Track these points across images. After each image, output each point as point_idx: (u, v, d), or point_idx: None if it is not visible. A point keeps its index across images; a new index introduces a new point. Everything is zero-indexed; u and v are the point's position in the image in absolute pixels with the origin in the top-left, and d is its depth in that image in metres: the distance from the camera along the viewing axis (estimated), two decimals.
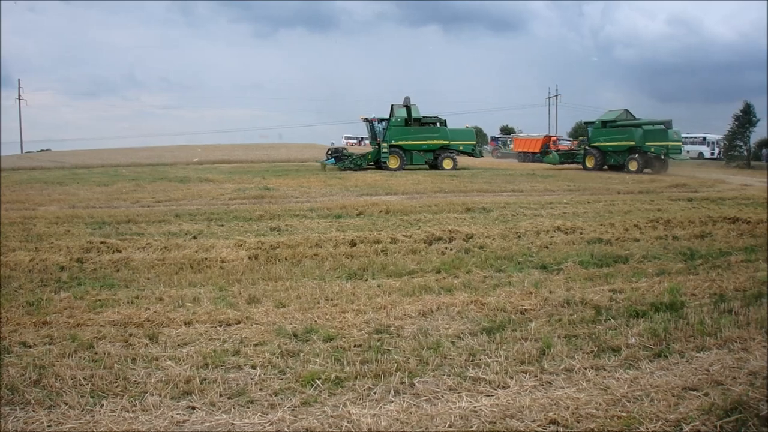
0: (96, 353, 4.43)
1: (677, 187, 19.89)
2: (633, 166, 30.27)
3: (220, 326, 5.09)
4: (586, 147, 34.08)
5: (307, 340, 4.72)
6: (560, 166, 34.76)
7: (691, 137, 53.41)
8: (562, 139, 48.78)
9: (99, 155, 48.51)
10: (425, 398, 3.72)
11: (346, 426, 3.36)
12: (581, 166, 33.21)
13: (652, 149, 30.28)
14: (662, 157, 30.05)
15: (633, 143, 30.83)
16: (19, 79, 69.58)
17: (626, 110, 33.39)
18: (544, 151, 40.33)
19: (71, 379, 3.92)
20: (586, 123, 36.35)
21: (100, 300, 5.88)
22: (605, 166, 32.29)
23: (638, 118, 32.49)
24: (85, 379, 3.93)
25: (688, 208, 13.48)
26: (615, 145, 31.84)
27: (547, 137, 46.01)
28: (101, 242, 8.51)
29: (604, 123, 33.16)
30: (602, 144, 32.65)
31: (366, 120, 32.60)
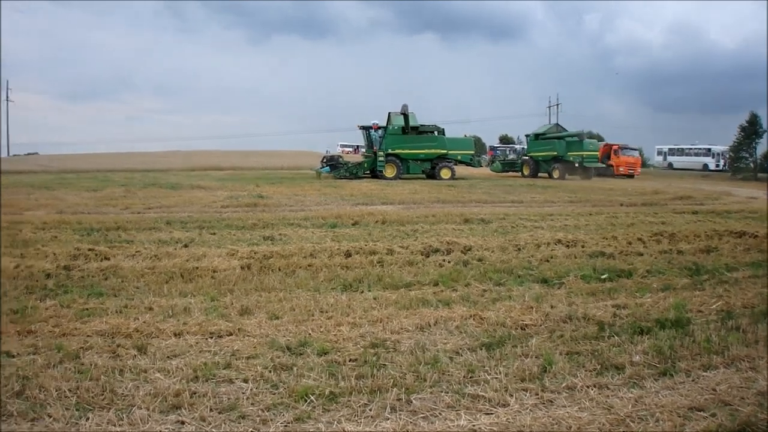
0: (82, 364, 4.38)
1: (682, 199, 19.89)
2: (555, 173, 35.56)
3: (211, 338, 5.04)
4: (523, 157, 40.04)
5: (301, 354, 4.68)
6: (503, 174, 39.46)
7: (695, 148, 53.64)
8: (628, 148, 43.58)
9: (89, 160, 48.47)
10: (422, 416, 3.69)
11: None
12: (520, 174, 37.96)
13: (571, 158, 35.61)
14: (576, 165, 35.47)
15: (556, 153, 36.06)
16: (7, 81, 69.43)
17: (557, 124, 40.03)
18: (491, 160, 45.03)
19: (56, 390, 3.87)
20: (526, 135, 41.47)
21: (87, 309, 5.83)
22: (538, 174, 37.05)
23: (567, 131, 37.72)
24: (70, 390, 3.88)
25: (693, 221, 13.48)
26: (544, 155, 37.08)
27: (608, 146, 43.09)
28: (89, 249, 8.46)
29: (537, 136, 38.80)
30: (535, 154, 37.98)
31: (362, 128, 32.65)
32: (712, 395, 3.95)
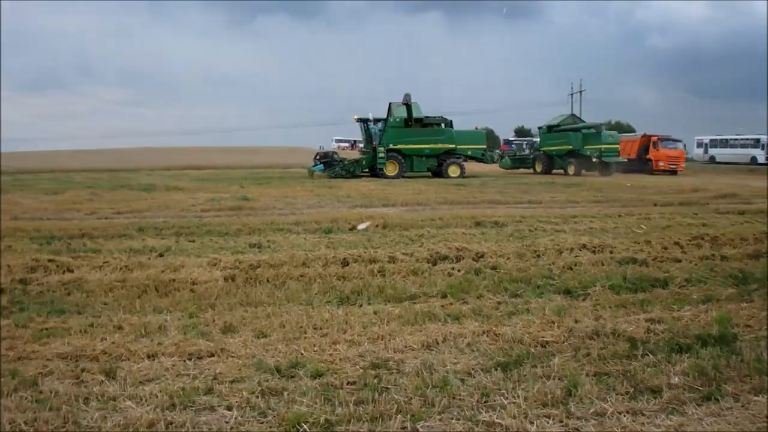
0: (41, 392, 4.35)
1: (725, 197, 19.87)
2: (571, 169, 36.16)
3: (190, 359, 5.02)
4: (536, 151, 40.66)
5: (292, 376, 4.65)
6: (513, 171, 39.74)
7: (741, 139, 53.54)
8: (669, 140, 42.14)
9: (47, 158, 48.63)
10: None
11: None
12: (532, 171, 38.48)
13: (588, 152, 35.76)
14: (594, 160, 35.52)
15: (571, 147, 36.60)
16: None
17: (573, 114, 40.44)
18: (500, 155, 45.41)
19: (9, 423, 3.85)
20: (539, 128, 42.25)
21: (46, 329, 5.80)
22: (553, 170, 37.87)
23: (584, 122, 38.34)
24: (27, 423, 3.85)
25: (738, 222, 13.42)
26: (558, 149, 37.77)
27: (646, 137, 42.33)
28: (49, 260, 8.43)
29: (550, 128, 39.38)
30: (548, 148, 38.71)
31: (360, 120, 32.67)
32: (764, 424, 3.92)
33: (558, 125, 39.13)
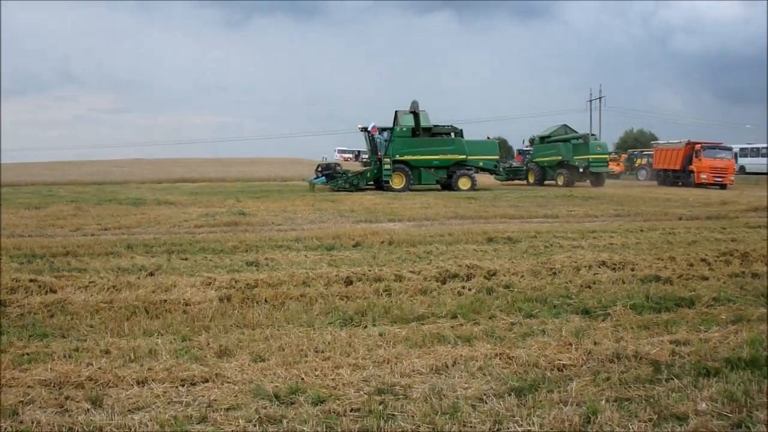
0: (21, 422, 4.36)
1: (756, 210, 19.82)
2: (560, 180, 38.82)
3: (183, 386, 5.02)
4: (529, 163, 43.06)
5: (292, 403, 4.66)
6: (507, 183, 41.10)
7: None
8: (717, 148, 40.15)
9: (28, 170, 48.72)
10: None
11: None
12: (526, 182, 41.07)
13: (577, 163, 38.29)
14: (581, 170, 38.24)
15: (561, 158, 39.25)
16: None
17: (565, 125, 42.16)
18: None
19: None
20: (530, 139, 46.07)
21: (28, 354, 5.81)
22: (545, 181, 40.40)
23: (576, 133, 40.80)
24: None
25: None
26: (549, 160, 40.46)
27: (690, 145, 40.52)
28: (31, 280, 8.45)
29: (542, 139, 42.26)
30: (540, 159, 41.28)
31: (364, 129, 32.76)
32: None
33: (549, 136, 41.63)
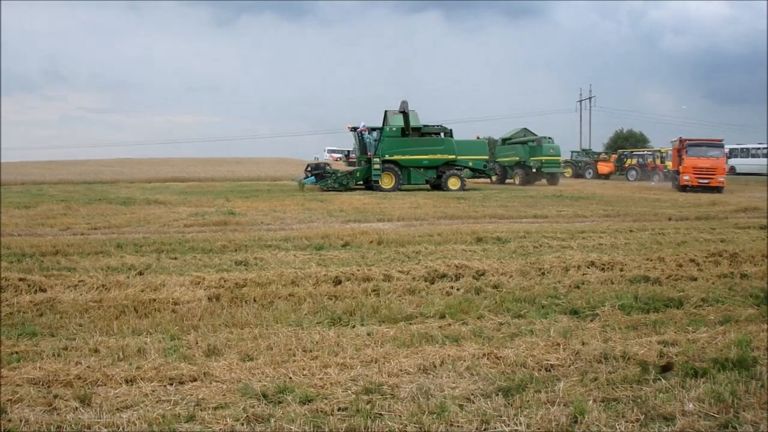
0: (10, 420, 4.35)
1: (746, 211, 19.91)
2: (516, 179, 42.44)
3: (171, 384, 5.02)
4: (493, 162, 44.01)
5: (280, 402, 4.67)
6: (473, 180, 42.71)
7: (765, 148, 53.60)
8: (702, 145, 33.74)
9: (16, 169, 48.44)
10: None
11: None
12: (489, 180, 42.04)
13: (531, 163, 41.46)
14: (534, 170, 41.46)
15: (518, 159, 42.67)
16: None
17: (525, 128, 45.06)
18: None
19: None
20: (495, 140, 49.33)
21: (17, 352, 5.80)
22: (506, 180, 43.56)
23: (536, 136, 43.18)
24: None
25: (760, 238, 13.49)
26: (508, 161, 43.91)
27: (682, 143, 33.89)
28: (20, 279, 8.43)
29: (504, 140, 45.71)
30: (502, 159, 44.65)
31: (353, 129, 32.77)
32: None
33: (510, 138, 45.10)
